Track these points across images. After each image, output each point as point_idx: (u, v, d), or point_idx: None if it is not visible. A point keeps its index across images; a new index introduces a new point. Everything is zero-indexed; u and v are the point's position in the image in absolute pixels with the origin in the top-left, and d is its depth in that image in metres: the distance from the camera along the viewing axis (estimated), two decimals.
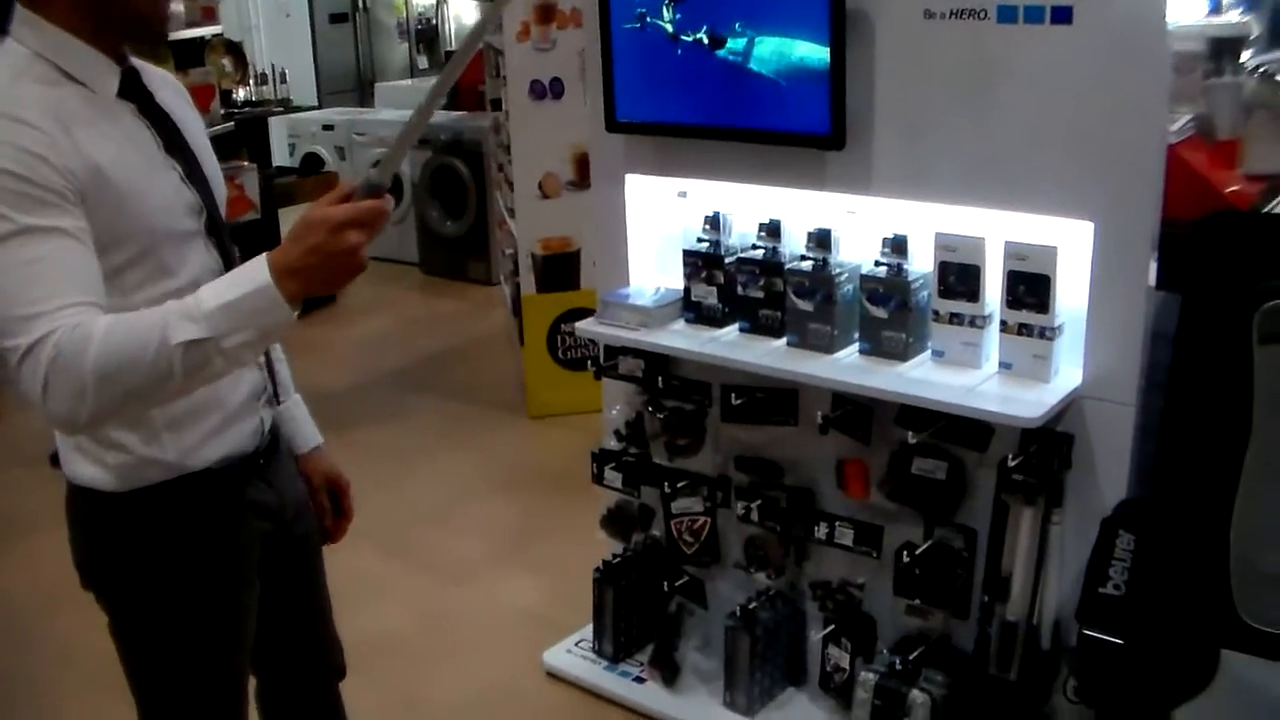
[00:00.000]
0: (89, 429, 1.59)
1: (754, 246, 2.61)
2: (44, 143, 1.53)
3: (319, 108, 8.91)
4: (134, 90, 1.74)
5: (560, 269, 4.93)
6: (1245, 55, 2.70)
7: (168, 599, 1.84)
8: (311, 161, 8.11)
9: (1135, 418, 2.23)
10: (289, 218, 6.25)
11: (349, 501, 2.16)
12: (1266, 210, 2.49)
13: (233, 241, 1.89)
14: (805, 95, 2.34)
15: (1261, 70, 2.62)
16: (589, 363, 3.02)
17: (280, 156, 7.97)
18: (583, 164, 4.80)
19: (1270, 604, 1.91)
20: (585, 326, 2.77)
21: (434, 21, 11.39)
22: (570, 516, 3.84)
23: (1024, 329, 2.28)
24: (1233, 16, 2.82)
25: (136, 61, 1.77)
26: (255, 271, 1.47)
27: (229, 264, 1.85)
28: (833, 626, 2.69)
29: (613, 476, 2.94)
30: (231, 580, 1.90)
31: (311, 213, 1.48)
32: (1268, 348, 1.89)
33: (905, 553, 2.48)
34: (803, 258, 2.51)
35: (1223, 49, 2.65)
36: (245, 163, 5.87)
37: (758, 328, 2.60)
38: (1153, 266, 2.16)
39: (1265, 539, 1.91)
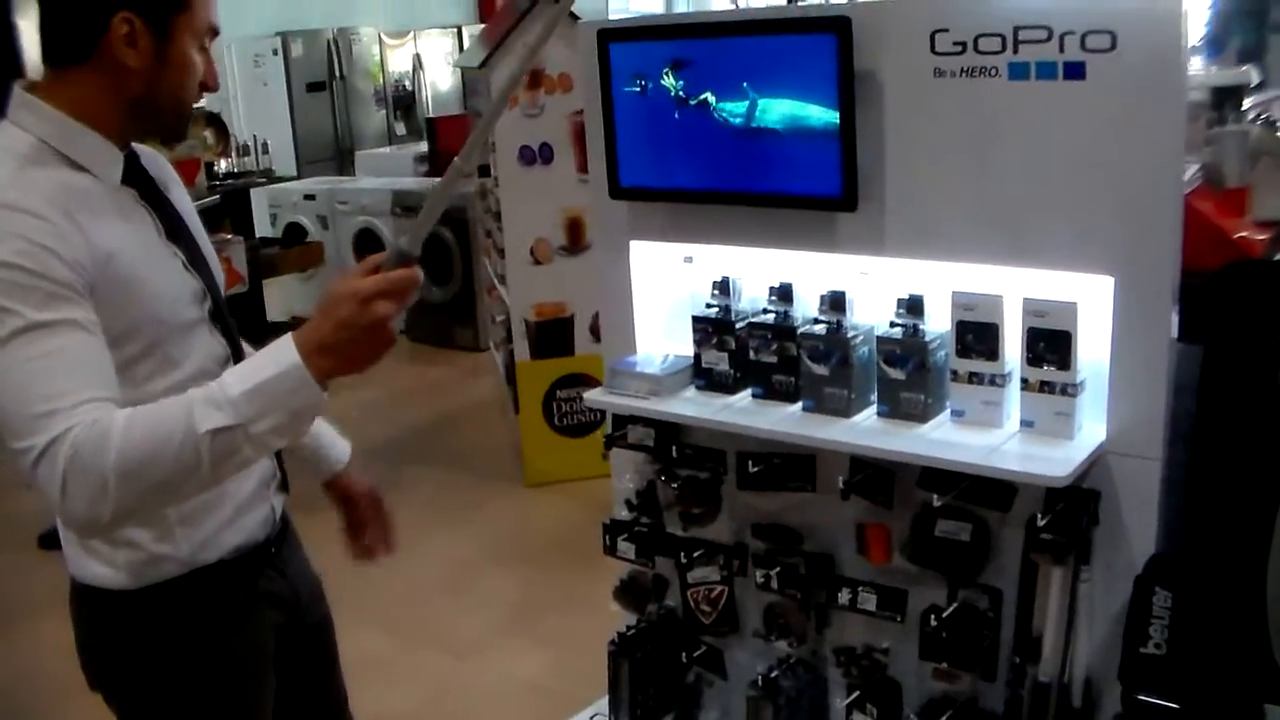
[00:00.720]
0: (110, 529, 1.53)
1: (765, 311, 2.58)
2: (52, 234, 1.47)
3: (298, 177, 8.90)
4: (134, 175, 1.71)
5: (554, 335, 4.90)
6: (1246, 103, 2.72)
7: (183, 699, 1.77)
8: (294, 231, 8.09)
9: (1161, 471, 2.20)
10: (273, 289, 6.21)
11: (372, 514, 2.24)
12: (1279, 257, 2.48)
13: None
14: (814, 157, 2.32)
15: (1265, 117, 2.63)
16: (594, 429, 2.97)
17: (262, 227, 7.96)
18: (574, 229, 4.79)
19: None
20: (594, 396, 2.73)
21: (410, 88, 11.45)
22: (574, 586, 3.79)
23: (1045, 386, 2.25)
24: (1196, 63, 2.84)
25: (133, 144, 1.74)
26: (281, 352, 1.42)
27: (234, 348, 1.82)
28: (857, 693, 2.62)
29: (626, 547, 2.88)
30: (248, 676, 1.84)
31: (338, 286, 1.43)
32: None
33: (931, 616, 2.43)
34: (816, 321, 2.48)
35: (1224, 97, 2.66)
36: (230, 235, 5.85)
37: (771, 393, 2.55)
38: (1174, 319, 2.13)
39: None
